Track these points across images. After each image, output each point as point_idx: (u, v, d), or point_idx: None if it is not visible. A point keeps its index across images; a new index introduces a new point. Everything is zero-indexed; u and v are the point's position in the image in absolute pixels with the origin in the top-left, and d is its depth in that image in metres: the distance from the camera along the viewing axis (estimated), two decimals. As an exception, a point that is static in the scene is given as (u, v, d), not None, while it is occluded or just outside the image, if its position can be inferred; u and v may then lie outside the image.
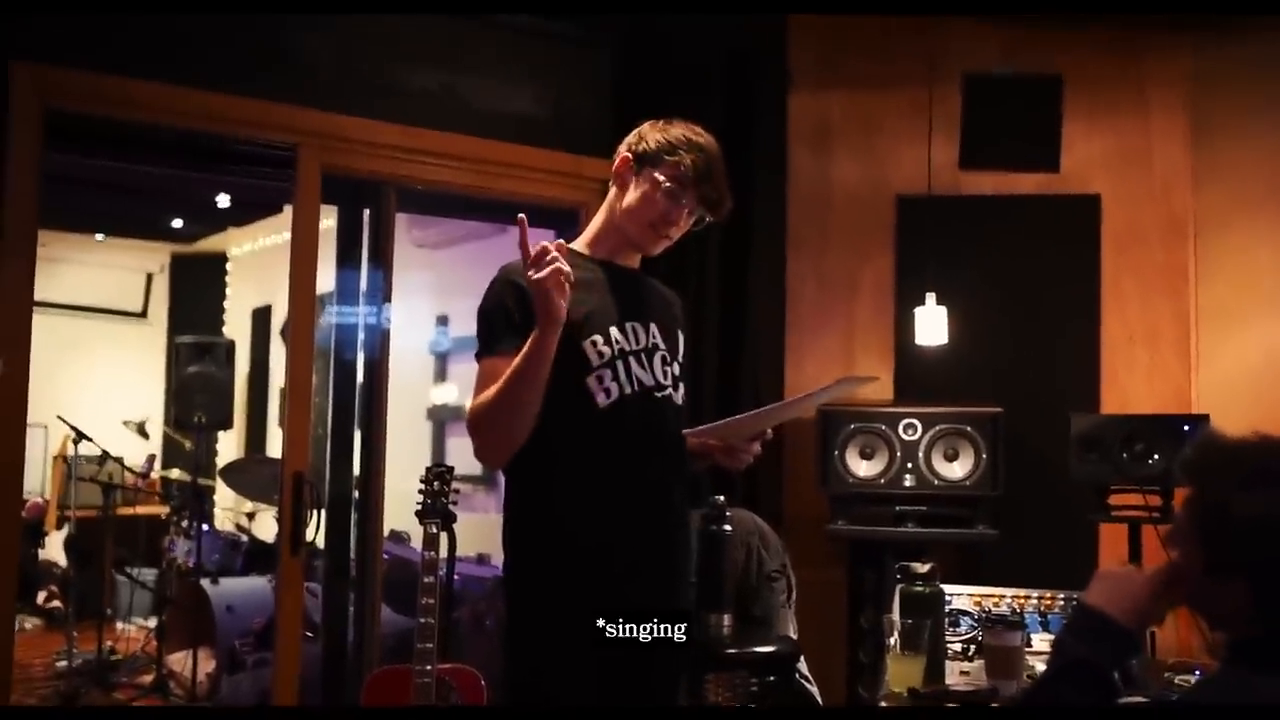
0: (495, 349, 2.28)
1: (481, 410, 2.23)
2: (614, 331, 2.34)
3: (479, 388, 2.28)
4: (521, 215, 2.19)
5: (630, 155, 2.42)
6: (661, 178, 2.36)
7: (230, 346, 6.26)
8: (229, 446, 8.28)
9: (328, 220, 4.05)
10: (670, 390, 2.41)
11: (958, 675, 2.64)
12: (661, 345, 2.43)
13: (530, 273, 2.13)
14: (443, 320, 7.26)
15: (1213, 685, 1.68)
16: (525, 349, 2.17)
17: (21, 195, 3.36)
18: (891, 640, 2.61)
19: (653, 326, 2.43)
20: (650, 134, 2.42)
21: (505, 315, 2.29)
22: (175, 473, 7.22)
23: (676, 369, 2.45)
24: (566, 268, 2.14)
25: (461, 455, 2.37)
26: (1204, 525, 1.63)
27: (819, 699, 3.55)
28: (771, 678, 3.29)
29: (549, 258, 2.12)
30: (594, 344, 2.30)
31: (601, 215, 2.48)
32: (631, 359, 2.35)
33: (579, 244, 2.48)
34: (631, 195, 2.40)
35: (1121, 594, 1.72)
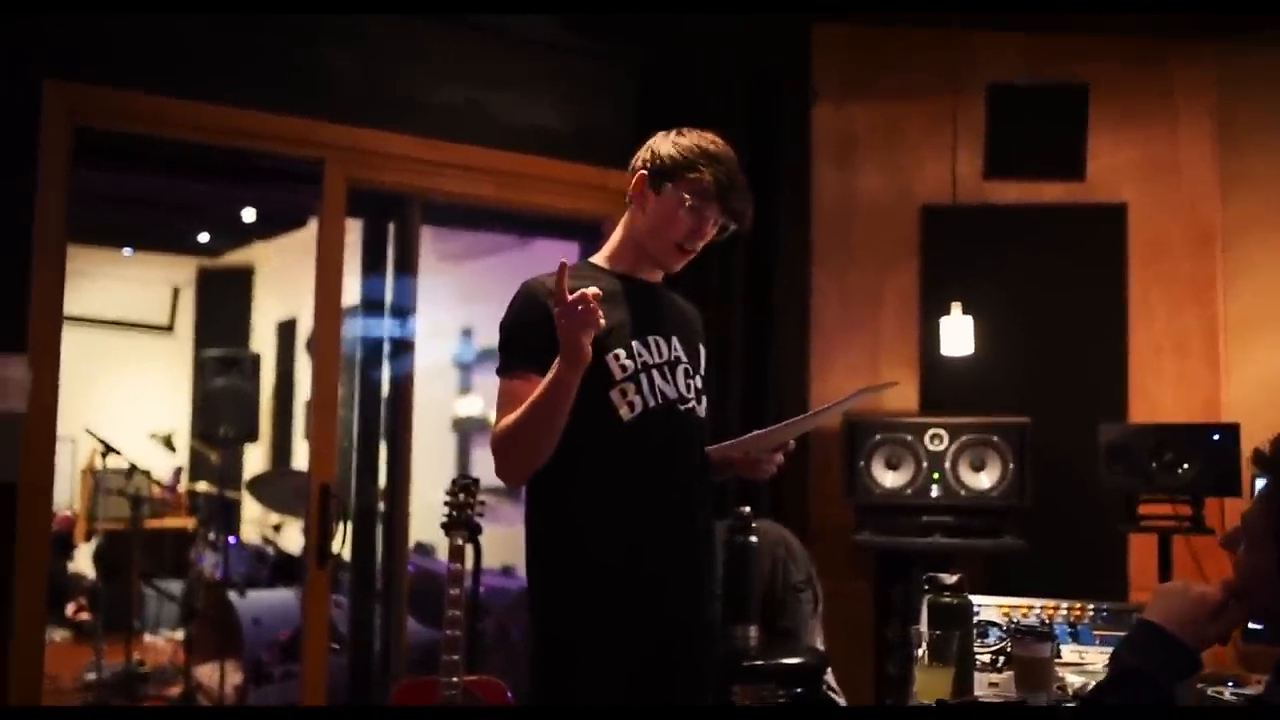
0: (515, 369, 2.28)
1: (503, 435, 2.24)
2: (636, 345, 2.33)
3: (500, 408, 2.29)
4: (564, 260, 2.15)
5: (646, 172, 2.39)
6: (684, 195, 2.34)
7: (256, 359, 6.30)
8: (255, 459, 8.32)
9: (352, 233, 4.07)
10: (693, 403, 2.41)
11: (986, 687, 2.62)
12: (684, 358, 2.42)
13: (560, 318, 2.11)
14: (467, 333, 7.28)
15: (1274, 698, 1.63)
16: (547, 382, 2.16)
17: (52, 211, 3.39)
18: (919, 651, 2.59)
19: (674, 340, 2.42)
20: (664, 148, 2.39)
21: (526, 334, 2.29)
22: (202, 485, 7.27)
23: (699, 382, 2.45)
24: (599, 318, 2.13)
25: (487, 467, 2.37)
26: None
27: (846, 711, 3.53)
28: (799, 689, 3.28)
29: (581, 307, 2.08)
30: (617, 358, 2.30)
31: (621, 230, 2.47)
32: (655, 372, 2.35)
33: (599, 258, 2.48)
34: (653, 213, 2.39)
35: (1180, 609, 1.68)
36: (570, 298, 2.09)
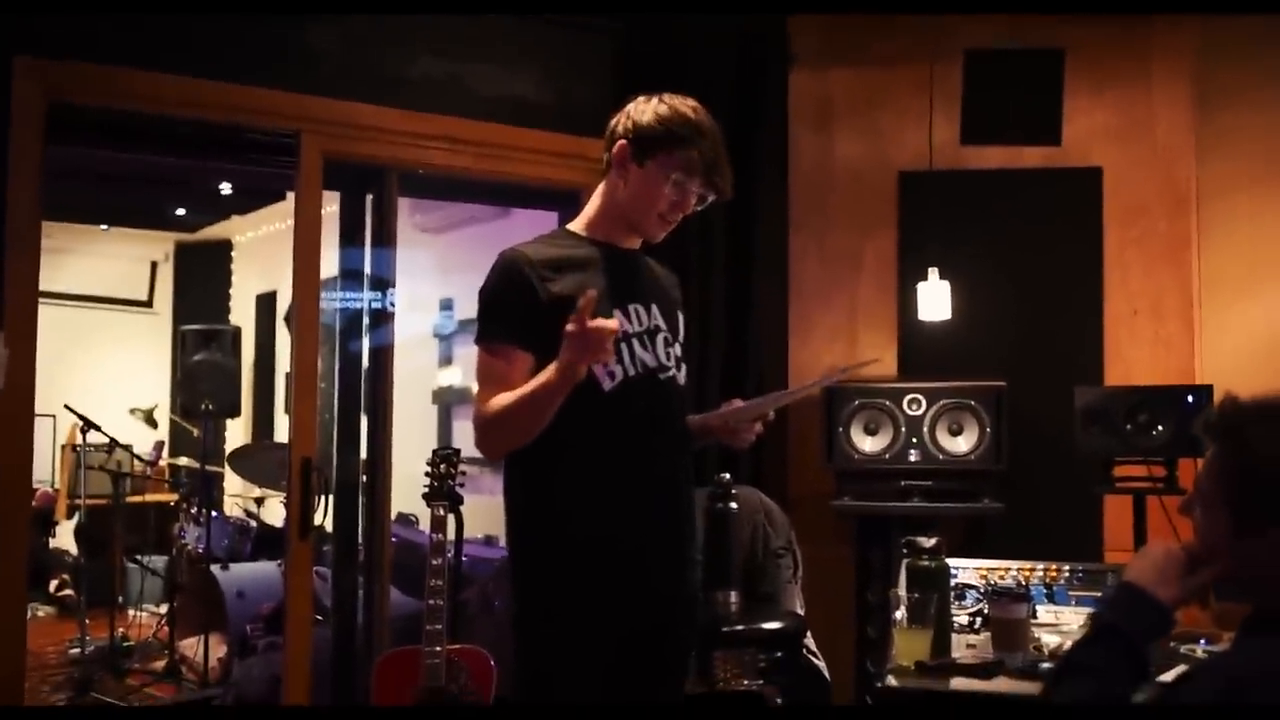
0: (493, 341, 2.28)
1: (490, 419, 2.24)
2: (617, 314, 2.33)
3: (481, 380, 2.29)
4: (591, 292, 2.13)
5: (628, 142, 2.37)
6: (670, 170, 2.33)
7: (236, 333, 6.28)
8: (236, 433, 8.32)
9: (330, 206, 4.06)
10: (674, 371, 2.42)
11: (964, 648, 2.66)
12: (663, 326, 2.42)
13: (572, 339, 2.10)
14: (447, 304, 7.27)
15: (1235, 657, 1.67)
16: (539, 384, 2.16)
17: (25, 188, 3.36)
18: (898, 614, 2.63)
19: (654, 308, 2.42)
20: (643, 117, 2.37)
21: (504, 305, 2.29)
22: (184, 460, 7.27)
23: (678, 349, 2.46)
24: (610, 353, 2.15)
25: (468, 438, 2.38)
26: (1233, 482, 1.63)
27: (826, 674, 3.58)
28: (779, 654, 3.31)
29: (596, 338, 2.08)
30: (597, 327, 2.31)
31: (599, 198, 2.46)
32: (635, 341, 2.35)
33: (577, 225, 2.47)
34: (636, 185, 2.37)
35: (1155, 569, 1.71)
36: (591, 324, 2.08)
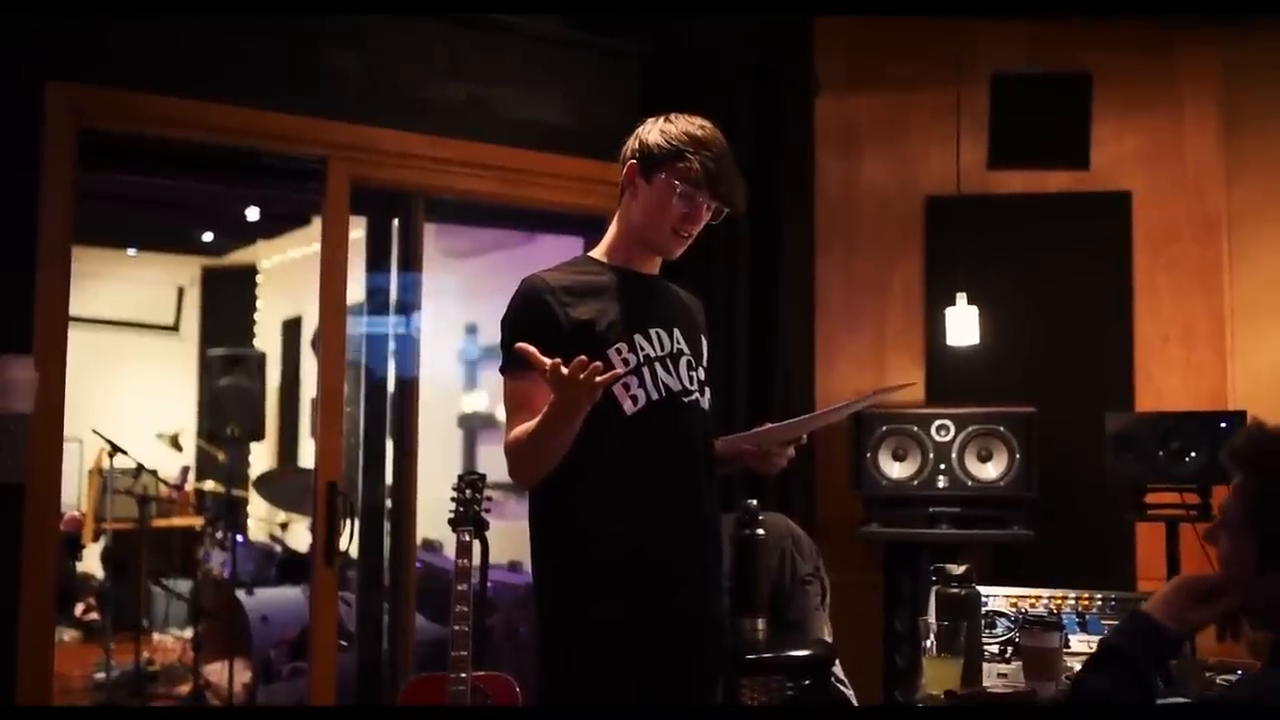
0: (517, 369, 2.26)
1: (514, 447, 2.25)
2: (638, 338, 2.33)
3: (508, 408, 2.31)
4: (583, 359, 2.07)
5: (636, 161, 2.39)
6: (674, 181, 2.34)
7: (261, 358, 6.29)
8: (261, 458, 8.33)
9: (356, 231, 4.07)
10: (697, 395, 2.41)
11: (995, 677, 2.62)
12: (686, 350, 2.42)
13: (558, 386, 2.07)
14: (472, 329, 7.27)
15: (1256, 685, 1.65)
16: (548, 413, 2.15)
17: (57, 213, 3.39)
18: (927, 643, 2.60)
19: (676, 332, 2.42)
20: (652, 136, 2.39)
21: (526, 332, 2.28)
22: (209, 484, 7.28)
23: (701, 373, 2.45)
24: (597, 393, 2.10)
25: (493, 463, 2.37)
26: (1260, 512, 1.61)
27: (855, 702, 3.53)
28: (807, 681, 3.27)
29: (584, 377, 2.04)
30: (619, 352, 2.30)
31: (617, 223, 2.47)
32: (657, 365, 2.35)
33: (598, 252, 2.48)
34: (645, 201, 2.39)
35: (1166, 595, 1.72)
36: (581, 375, 2.04)
